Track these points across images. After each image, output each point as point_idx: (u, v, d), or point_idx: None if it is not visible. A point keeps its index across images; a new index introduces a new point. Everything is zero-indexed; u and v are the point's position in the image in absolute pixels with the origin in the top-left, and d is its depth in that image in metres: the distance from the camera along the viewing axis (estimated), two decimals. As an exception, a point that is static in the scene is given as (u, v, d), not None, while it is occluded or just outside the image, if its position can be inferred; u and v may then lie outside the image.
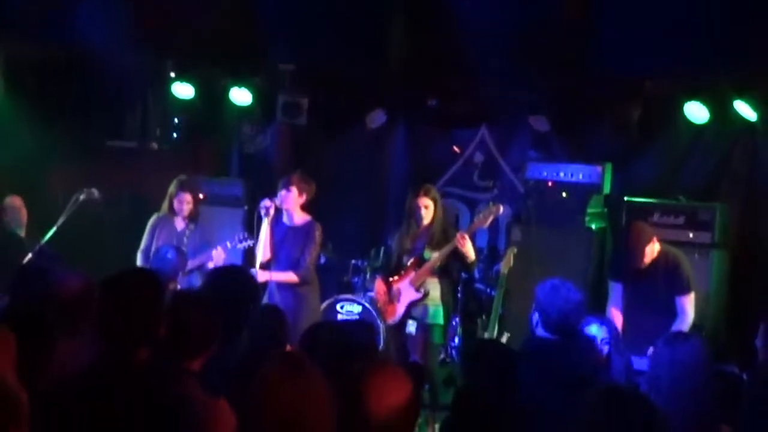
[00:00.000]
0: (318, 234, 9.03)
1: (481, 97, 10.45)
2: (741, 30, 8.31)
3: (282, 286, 8.88)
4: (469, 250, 8.77)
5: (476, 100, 10.47)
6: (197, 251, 9.10)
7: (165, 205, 9.33)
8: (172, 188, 9.33)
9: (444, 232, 9.03)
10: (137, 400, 3.95)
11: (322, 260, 10.29)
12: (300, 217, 9.03)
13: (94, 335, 4.33)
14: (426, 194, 8.95)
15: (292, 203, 8.91)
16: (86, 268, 5.77)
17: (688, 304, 7.80)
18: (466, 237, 8.75)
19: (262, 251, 8.88)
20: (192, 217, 9.32)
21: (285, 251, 8.93)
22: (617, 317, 8.13)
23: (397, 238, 9.26)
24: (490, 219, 9.40)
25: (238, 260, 9.78)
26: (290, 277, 8.89)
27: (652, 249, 7.76)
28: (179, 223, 9.31)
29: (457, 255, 8.82)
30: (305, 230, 8.99)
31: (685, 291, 7.82)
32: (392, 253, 9.33)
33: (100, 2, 9.17)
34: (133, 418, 3.82)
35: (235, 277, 6.05)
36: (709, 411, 5.15)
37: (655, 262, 7.78)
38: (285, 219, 8.98)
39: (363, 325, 6.52)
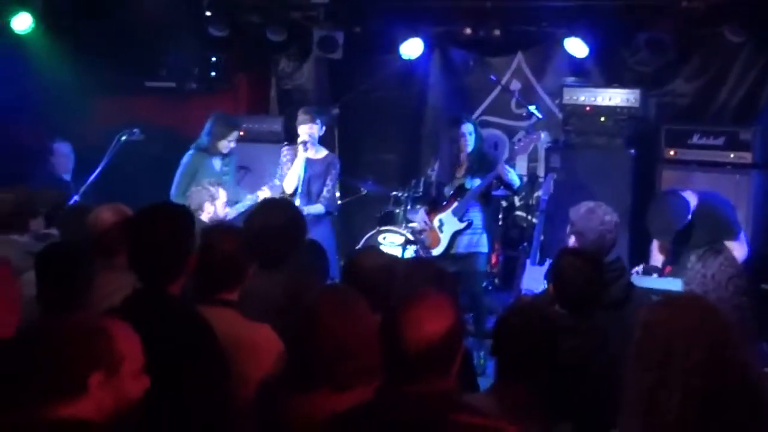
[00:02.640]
0: (338, 165, 9.24)
1: (516, 23, 10.25)
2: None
3: (311, 218, 8.86)
4: (514, 177, 8.77)
5: (511, 27, 10.27)
6: (236, 182, 9.28)
7: (210, 144, 9.18)
8: (220, 128, 9.17)
9: (484, 160, 8.98)
10: (171, 331, 3.93)
11: (363, 191, 10.24)
12: (320, 151, 9.17)
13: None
14: (467, 122, 8.92)
15: (315, 136, 9.04)
16: (128, 204, 5.68)
17: (738, 246, 7.63)
18: (507, 167, 8.73)
19: (292, 183, 8.99)
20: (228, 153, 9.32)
21: (308, 184, 9.08)
22: (661, 253, 8.01)
23: (437, 167, 9.20)
24: (531, 146, 9.35)
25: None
26: (318, 208, 9.07)
27: (688, 215, 7.60)
28: (217, 162, 9.22)
29: (502, 182, 8.82)
30: (326, 162, 9.15)
31: (731, 236, 7.65)
32: (432, 183, 9.29)
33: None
34: (168, 348, 3.75)
35: (284, 210, 5.99)
36: (744, 326, 5.12)
37: (694, 214, 7.63)
38: (307, 152, 8.97)
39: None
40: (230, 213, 8.28)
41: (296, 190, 8.96)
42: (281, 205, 6.25)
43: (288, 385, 3.68)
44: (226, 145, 9.17)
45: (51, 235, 6.44)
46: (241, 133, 10.14)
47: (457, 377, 3.46)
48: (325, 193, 9.08)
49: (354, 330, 3.62)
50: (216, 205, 7.74)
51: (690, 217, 7.59)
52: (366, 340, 3.59)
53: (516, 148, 9.52)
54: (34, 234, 6.43)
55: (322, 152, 9.18)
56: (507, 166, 8.87)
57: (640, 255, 8.37)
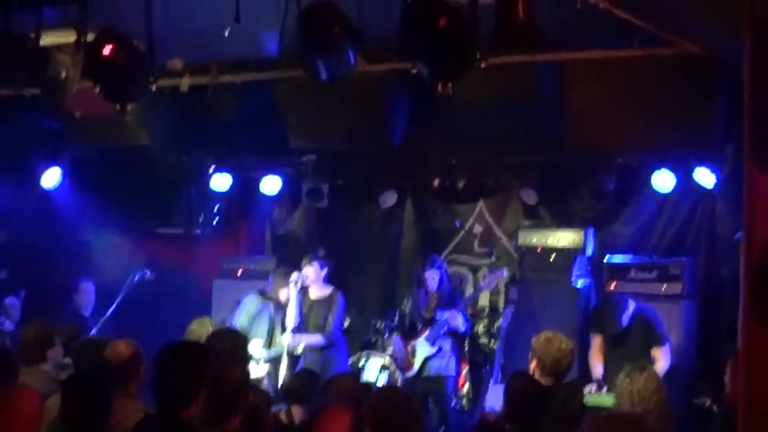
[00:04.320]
0: (341, 302, 9.25)
1: (477, 176, 10.59)
2: (697, 112, 8.40)
3: (311, 349, 9.03)
4: (459, 323, 9.25)
5: (474, 179, 10.59)
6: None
7: (271, 292, 9.38)
8: (279, 279, 9.36)
9: (450, 296, 9.29)
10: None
11: (347, 323, 10.43)
12: (323, 289, 9.22)
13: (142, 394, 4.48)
14: (432, 266, 9.23)
15: (315, 277, 9.09)
16: (141, 338, 5.92)
17: (663, 354, 8.07)
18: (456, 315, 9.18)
19: (292, 318, 9.02)
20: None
21: (312, 320, 9.09)
22: (597, 363, 8.30)
23: (409, 302, 9.50)
24: (495, 283, 9.66)
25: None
26: (318, 339, 9.11)
27: (628, 314, 8.16)
28: (272, 308, 9.40)
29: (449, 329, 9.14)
30: (329, 300, 9.23)
31: (659, 343, 8.15)
32: (406, 315, 9.56)
33: (151, 110, 9.32)
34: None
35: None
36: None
37: (631, 320, 7.99)
38: (310, 292, 9.13)
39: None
40: None
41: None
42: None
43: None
44: (286, 295, 9.25)
45: (68, 365, 6.58)
46: (240, 272, 10.40)
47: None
48: (326, 326, 9.16)
49: None
50: None
51: (629, 321, 8.12)
52: None
53: (481, 284, 9.85)
54: (54, 363, 6.53)
55: (326, 290, 9.34)
56: (456, 314, 9.20)
57: (584, 372, 8.58)
